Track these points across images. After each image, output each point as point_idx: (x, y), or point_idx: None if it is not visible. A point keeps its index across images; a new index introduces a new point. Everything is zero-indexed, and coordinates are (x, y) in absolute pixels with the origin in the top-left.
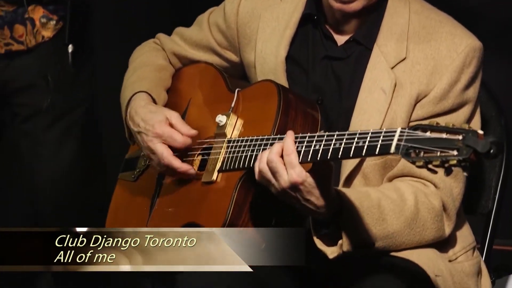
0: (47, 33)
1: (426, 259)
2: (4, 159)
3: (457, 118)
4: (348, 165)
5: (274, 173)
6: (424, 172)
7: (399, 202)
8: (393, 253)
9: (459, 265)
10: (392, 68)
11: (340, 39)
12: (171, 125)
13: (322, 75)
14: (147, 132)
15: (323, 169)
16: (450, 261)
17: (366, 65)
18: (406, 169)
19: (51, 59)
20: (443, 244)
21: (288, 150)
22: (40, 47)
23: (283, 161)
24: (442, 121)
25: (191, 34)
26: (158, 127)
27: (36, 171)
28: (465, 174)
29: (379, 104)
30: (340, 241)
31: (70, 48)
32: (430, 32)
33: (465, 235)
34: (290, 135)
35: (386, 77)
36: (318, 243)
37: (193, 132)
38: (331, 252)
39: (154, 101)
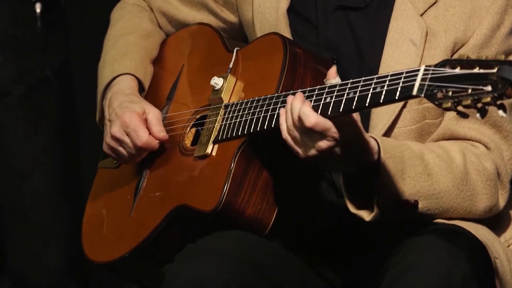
0: None
1: (483, 237)
2: None
3: None
4: (376, 131)
5: (295, 139)
6: (470, 132)
7: (445, 158)
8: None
9: None
10: (422, 14)
11: None
12: (145, 121)
13: (336, 29)
14: (114, 119)
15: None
16: None
17: (390, 14)
18: (448, 132)
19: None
20: (492, 227)
21: (296, 105)
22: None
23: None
24: None
25: None
26: (127, 116)
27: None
28: (501, 114)
29: (408, 58)
30: (376, 198)
31: (38, 7)
32: None
33: None
34: (298, 96)
35: (415, 26)
36: (352, 207)
37: (163, 135)
38: (368, 214)
39: (140, 83)
